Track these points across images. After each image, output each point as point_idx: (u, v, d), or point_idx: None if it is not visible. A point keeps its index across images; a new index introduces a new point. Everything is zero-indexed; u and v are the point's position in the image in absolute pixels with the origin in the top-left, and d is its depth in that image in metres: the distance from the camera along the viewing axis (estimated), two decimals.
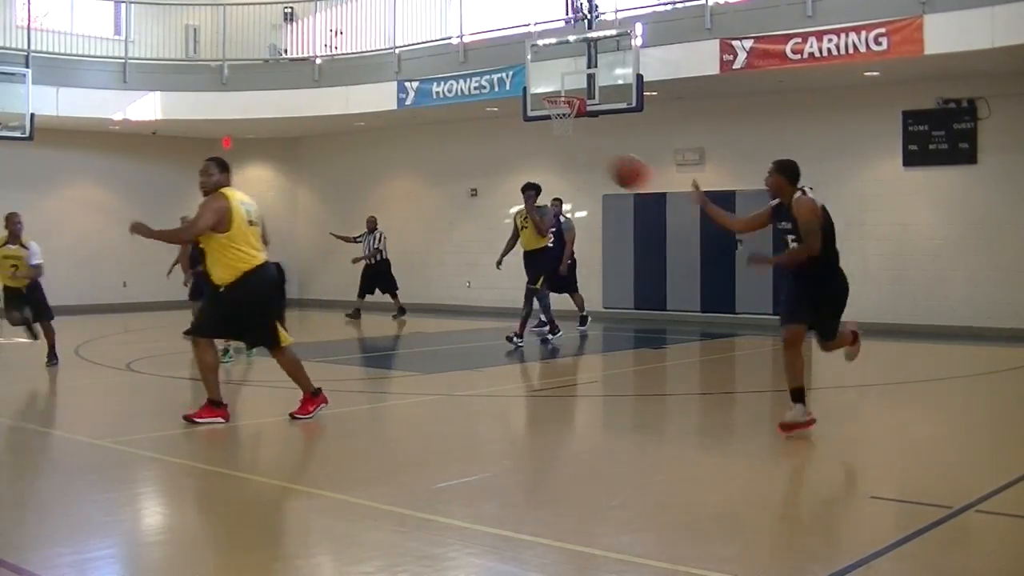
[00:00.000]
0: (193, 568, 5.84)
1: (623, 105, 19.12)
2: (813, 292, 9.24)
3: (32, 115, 22.38)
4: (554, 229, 19.13)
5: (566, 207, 22.41)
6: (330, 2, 26.16)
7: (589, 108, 19.41)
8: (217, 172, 10.17)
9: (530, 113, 20.26)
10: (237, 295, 9.85)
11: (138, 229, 10.09)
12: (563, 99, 19.60)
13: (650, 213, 22.57)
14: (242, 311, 9.96)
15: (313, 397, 10.31)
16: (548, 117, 19.88)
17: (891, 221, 20.01)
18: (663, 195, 22.11)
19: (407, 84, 23.29)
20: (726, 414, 11.77)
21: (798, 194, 9.20)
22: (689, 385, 14.44)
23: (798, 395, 9.32)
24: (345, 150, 28.35)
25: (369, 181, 27.82)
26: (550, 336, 17.95)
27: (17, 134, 22.22)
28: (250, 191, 29.32)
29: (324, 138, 28.69)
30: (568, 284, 19.54)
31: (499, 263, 18.19)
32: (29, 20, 23.88)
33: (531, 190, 17.30)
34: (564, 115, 19.52)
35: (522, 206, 17.53)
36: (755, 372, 15.83)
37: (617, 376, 15.03)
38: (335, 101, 24.45)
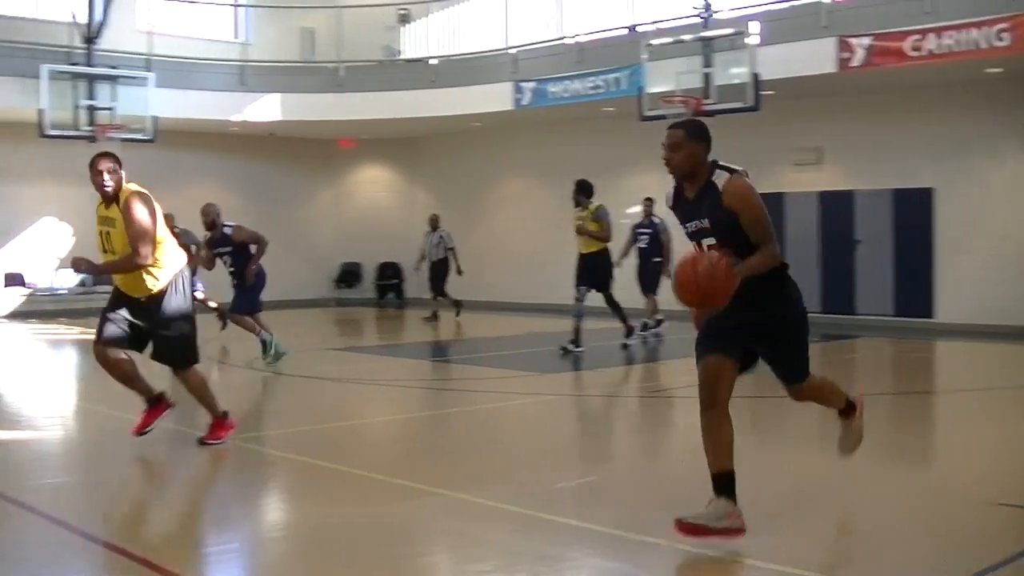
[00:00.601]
0: (317, 564, 5.89)
1: (739, 104, 18.94)
2: (751, 315, 6.38)
3: (154, 118, 22.75)
4: (648, 231, 18.98)
5: None
6: (445, 3, 26.27)
7: (705, 107, 19.25)
8: (120, 169, 8.83)
9: (646, 113, 20.15)
10: (180, 299, 8.74)
11: (77, 266, 8.78)
12: (679, 98, 19.48)
13: (768, 213, 22.25)
14: (184, 318, 8.82)
15: (224, 421, 9.17)
16: (664, 117, 19.73)
17: (1015, 220, 19.57)
18: (780, 195, 21.87)
19: (523, 84, 23.30)
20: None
21: (725, 175, 6.31)
22: None
23: (722, 483, 6.24)
24: (461, 150, 28.41)
25: (485, 181, 27.87)
26: (569, 346, 16.30)
27: (140, 136, 22.60)
28: (366, 192, 29.68)
29: (440, 138, 28.78)
30: (650, 283, 19.23)
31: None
32: (150, 26, 24.32)
33: (578, 186, 16.82)
34: (680, 114, 19.38)
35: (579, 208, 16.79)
36: (876, 375, 15.59)
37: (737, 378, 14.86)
38: (451, 102, 24.53)
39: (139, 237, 8.36)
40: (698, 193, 6.38)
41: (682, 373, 14.84)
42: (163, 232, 8.63)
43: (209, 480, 8.19)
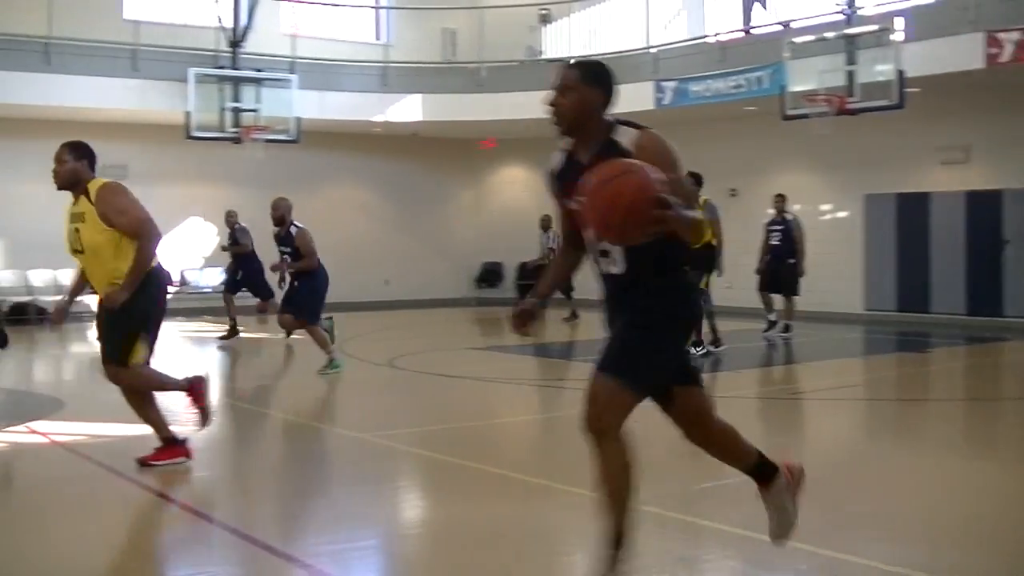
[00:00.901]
0: (450, 562, 5.93)
1: (884, 102, 18.64)
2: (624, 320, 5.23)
3: (298, 119, 23.11)
4: (781, 227, 18.71)
5: (824, 207, 22.05)
6: (586, 3, 26.27)
7: (849, 106, 19.00)
8: (72, 159, 7.98)
9: (788, 112, 19.94)
10: (151, 292, 8.04)
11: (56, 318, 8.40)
12: (822, 97, 19.24)
13: (913, 212, 21.92)
14: (133, 316, 7.94)
15: (174, 446, 8.18)
16: (806, 116, 19.55)
17: None
18: (926, 194, 21.51)
19: (664, 84, 23.20)
20: (991, 423, 11.34)
21: (632, 131, 4.98)
22: (952, 390, 14.00)
23: (613, 539, 5.26)
24: None
25: None
26: (699, 349, 15.32)
27: (284, 137, 22.97)
28: (507, 191, 29.76)
29: None
30: (788, 285, 18.79)
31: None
32: (294, 29, 24.73)
33: (688, 179, 16.30)
34: (823, 113, 19.16)
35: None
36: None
37: (877, 380, 14.65)
38: None
39: (133, 221, 7.78)
40: (595, 156, 4.91)
41: (822, 375, 14.71)
42: (136, 225, 7.84)
43: (346, 476, 8.28)
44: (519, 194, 29.48)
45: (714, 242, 15.62)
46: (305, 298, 14.40)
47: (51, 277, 23.59)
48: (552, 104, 5.06)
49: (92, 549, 6.26)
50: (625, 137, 4.93)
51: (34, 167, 23.29)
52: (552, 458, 9.01)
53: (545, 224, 23.60)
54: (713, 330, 15.81)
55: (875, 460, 8.97)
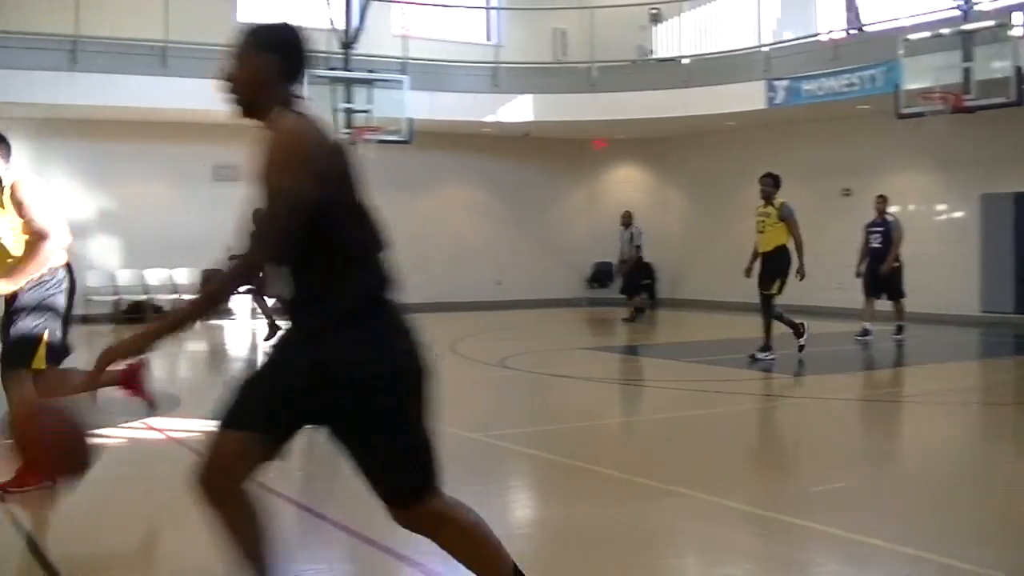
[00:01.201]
0: (560, 563, 5.92)
1: (1001, 99, 18.29)
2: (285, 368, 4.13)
3: (410, 120, 23.26)
4: (881, 229, 18.40)
5: (940, 207, 21.70)
6: (696, 1, 26.15)
7: (965, 103, 18.67)
8: None
9: (903, 110, 19.65)
10: (42, 293, 7.31)
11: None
12: (938, 95, 18.94)
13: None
14: (35, 315, 7.29)
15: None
16: (921, 114, 19.25)
17: None
18: None
19: (776, 83, 23.02)
20: None
21: (288, 117, 4.07)
22: None
23: None
24: (714, 150, 28.14)
25: (738, 181, 27.57)
26: (759, 354, 15.20)
27: (396, 138, 23.14)
28: (619, 192, 29.76)
29: (693, 138, 28.56)
30: (891, 288, 18.42)
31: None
32: (405, 30, 24.92)
33: (767, 180, 15.86)
34: (939, 111, 18.85)
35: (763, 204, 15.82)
36: None
37: (993, 384, 14.40)
38: (703, 101, 24.37)
39: (40, 217, 7.13)
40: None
41: (928, 379, 14.49)
42: (46, 223, 7.16)
43: (456, 475, 8.29)
44: (631, 194, 29.39)
45: (789, 245, 15.38)
46: None
47: (167, 276, 24.02)
48: (225, 79, 4.17)
49: (204, 544, 6.37)
50: (277, 124, 4.01)
51: (151, 168, 23.87)
52: (663, 460, 8.95)
53: (626, 221, 23.51)
54: (767, 334, 15.33)
55: (992, 465, 8.82)
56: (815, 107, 22.69)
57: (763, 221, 15.55)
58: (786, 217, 15.33)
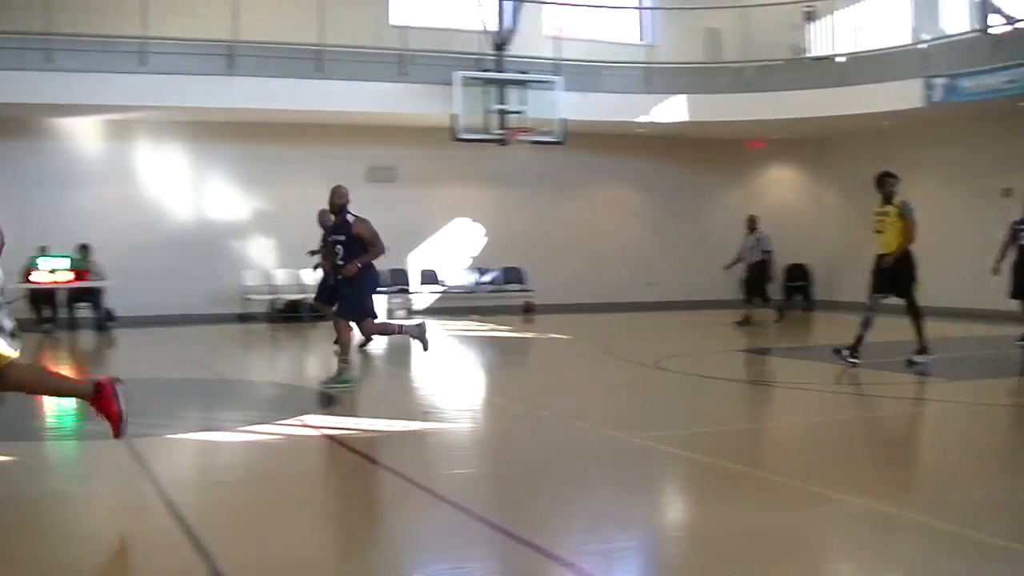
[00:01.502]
0: (715, 567, 5.80)
1: None
2: None
3: (563, 120, 23.36)
4: None
5: None
6: None
7: None
8: None
9: None
10: None
11: None
12: None
13: None
14: None
15: None
16: None
17: None
18: None
19: (934, 80, 22.62)
20: None
21: None
22: None
23: None
24: (870, 150, 27.66)
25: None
26: (917, 358, 14.50)
27: (549, 138, 23.27)
28: (774, 192, 29.56)
29: (849, 138, 28.17)
30: None
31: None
32: (558, 31, 25.05)
33: (889, 179, 15.27)
34: None
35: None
36: None
37: None
38: (859, 100, 24.04)
39: None
40: None
41: None
42: None
43: (609, 476, 8.32)
44: (786, 195, 29.14)
45: (910, 246, 14.60)
46: (355, 293, 13.18)
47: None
48: None
49: (354, 539, 6.52)
50: None
51: (305, 170, 24.31)
52: (819, 464, 8.72)
53: (751, 225, 23.27)
54: (919, 334, 14.75)
55: None
56: (973, 105, 22.25)
57: (882, 221, 14.81)
58: (907, 215, 14.70)
